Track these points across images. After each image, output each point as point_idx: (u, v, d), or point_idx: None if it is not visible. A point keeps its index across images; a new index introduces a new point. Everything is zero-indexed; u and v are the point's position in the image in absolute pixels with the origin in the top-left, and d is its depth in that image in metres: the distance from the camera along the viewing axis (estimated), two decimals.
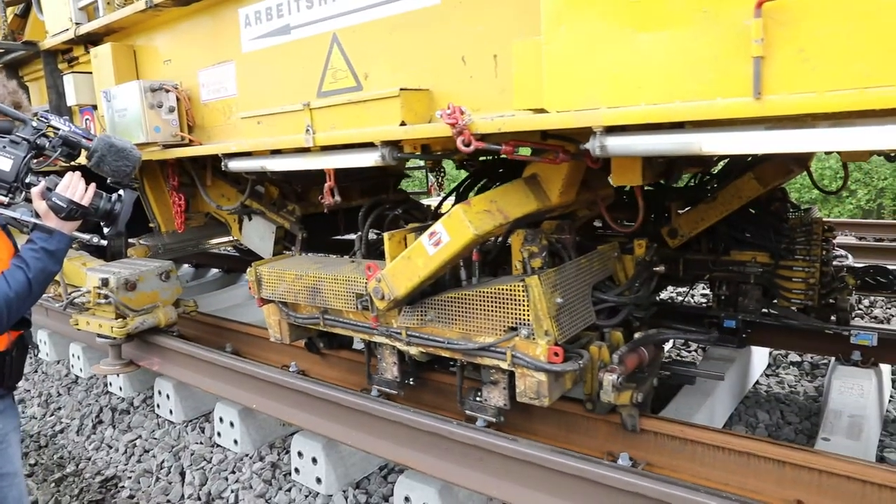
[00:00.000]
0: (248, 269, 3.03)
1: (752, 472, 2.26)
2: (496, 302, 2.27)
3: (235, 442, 3.38)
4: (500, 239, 2.68)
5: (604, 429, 2.53)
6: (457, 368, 2.56)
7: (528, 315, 2.19)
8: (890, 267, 3.54)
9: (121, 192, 2.19)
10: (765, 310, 3.29)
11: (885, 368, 3.53)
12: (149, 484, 3.24)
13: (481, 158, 3.21)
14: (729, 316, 3.27)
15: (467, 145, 1.87)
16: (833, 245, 3.30)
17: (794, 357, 4.04)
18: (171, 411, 3.76)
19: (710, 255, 3.27)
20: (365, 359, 2.93)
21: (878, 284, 3.40)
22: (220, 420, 3.45)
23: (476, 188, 3.23)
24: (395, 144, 2.22)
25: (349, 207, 3.80)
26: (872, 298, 4.88)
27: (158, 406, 3.87)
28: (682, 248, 3.24)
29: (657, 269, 2.55)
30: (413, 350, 2.52)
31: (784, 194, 3.31)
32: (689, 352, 4.20)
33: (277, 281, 2.95)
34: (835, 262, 3.29)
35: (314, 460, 2.98)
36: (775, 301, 3.21)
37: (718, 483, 2.29)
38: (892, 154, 1.36)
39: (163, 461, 3.37)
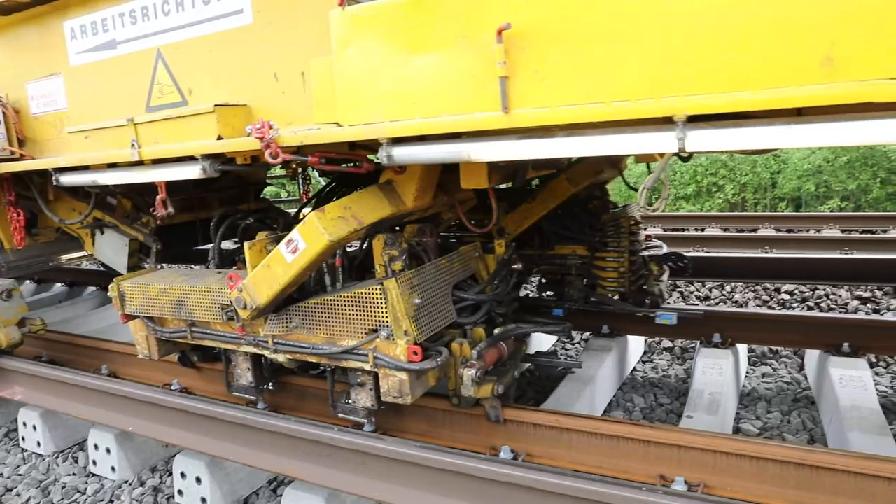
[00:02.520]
0: (111, 286, 2.92)
1: (621, 453, 2.41)
2: (357, 305, 2.31)
3: (113, 469, 3.23)
4: (365, 243, 2.72)
5: (486, 424, 2.61)
6: (328, 373, 2.57)
7: (387, 317, 2.24)
8: (687, 254, 3.93)
9: None
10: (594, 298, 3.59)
11: (742, 348, 3.85)
12: None
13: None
14: (556, 305, 3.54)
15: (275, 157, 2.01)
16: (649, 237, 3.74)
17: (666, 343, 4.32)
18: (38, 443, 3.53)
19: (538, 250, 3.52)
20: (223, 367, 2.90)
21: (678, 269, 3.76)
22: (95, 447, 3.28)
23: (337, 195, 3.26)
24: (216, 157, 2.31)
25: (208, 218, 3.76)
26: (733, 284, 5.29)
27: (24, 439, 3.62)
28: (519, 244, 3.45)
29: (516, 266, 2.67)
30: (280, 357, 2.52)
31: (603, 192, 3.60)
32: (574, 344, 4.39)
33: (141, 296, 2.86)
34: (650, 252, 3.63)
35: (198, 480, 2.90)
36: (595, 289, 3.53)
37: (593, 467, 2.42)
38: (686, 154, 1.54)
39: (29, 499, 3.16)
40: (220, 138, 2.25)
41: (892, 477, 1.99)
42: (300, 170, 3.98)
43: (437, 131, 1.74)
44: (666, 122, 1.47)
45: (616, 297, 3.49)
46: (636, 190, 3.73)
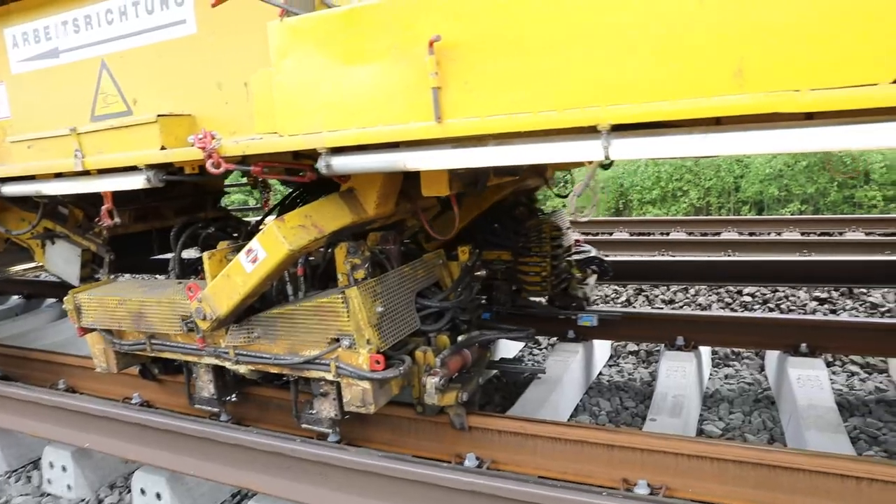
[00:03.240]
0: (66, 298, 2.84)
1: (585, 457, 2.43)
2: (319, 315, 2.29)
3: (69, 487, 3.13)
4: (329, 252, 2.70)
5: (451, 432, 2.61)
6: (291, 384, 2.54)
7: (350, 326, 2.22)
8: (608, 258, 4.07)
9: None
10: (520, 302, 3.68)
11: (705, 350, 3.92)
12: None
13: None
14: (485, 309, 3.60)
15: (217, 167, 2.02)
16: (578, 242, 3.93)
17: (632, 347, 4.37)
18: None
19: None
20: (185, 379, 2.84)
21: (600, 272, 3.88)
22: (51, 465, 3.18)
23: (301, 203, 3.23)
24: (161, 167, 2.30)
25: (164, 228, 3.72)
26: (697, 287, 5.39)
27: None
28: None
29: (479, 273, 2.67)
30: (242, 369, 2.48)
31: (530, 200, 3.69)
32: (541, 349, 4.42)
33: (99, 308, 2.79)
34: (576, 257, 3.79)
35: (158, 496, 2.82)
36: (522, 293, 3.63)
37: (558, 472, 2.44)
38: (608, 161, 1.61)
39: None
40: (163, 148, 2.25)
41: (845, 474, 2.04)
42: (260, 178, 3.95)
43: (373, 141, 1.78)
44: (591, 131, 1.53)
45: (544, 301, 3.59)
46: (564, 197, 3.87)
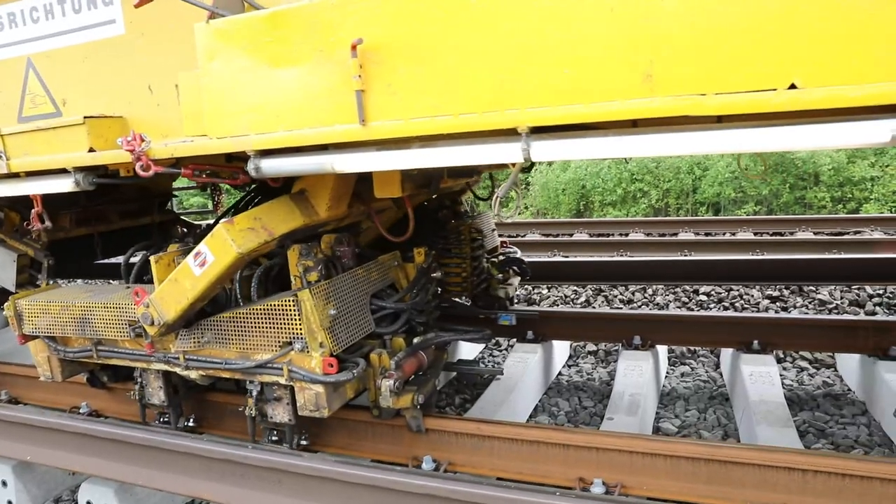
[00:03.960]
0: (6, 304, 2.73)
1: (542, 457, 2.43)
2: (270, 318, 2.24)
3: (10, 503, 3.00)
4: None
5: (408, 435, 2.58)
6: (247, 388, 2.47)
7: (302, 329, 2.18)
8: (527, 259, 4.16)
9: None
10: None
11: (662, 349, 3.98)
12: None
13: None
14: None
15: (146, 170, 2.01)
16: (505, 244, 3.99)
17: (591, 347, 4.41)
18: None
19: None
20: (136, 387, 2.76)
21: (520, 272, 3.99)
22: None
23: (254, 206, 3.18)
24: (91, 170, 2.27)
25: (107, 231, 3.66)
26: (654, 287, 5.48)
27: None
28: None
29: (435, 274, 2.66)
30: (193, 374, 2.41)
31: (453, 202, 3.73)
32: (501, 350, 4.43)
33: (41, 314, 2.69)
34: (500, 257, 3.85)
35: None
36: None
37: (515, 473, 2.44)
38: (529, 164, 1.65)
39: None
40: (92, 150, 2.21)
41: (792, 467, 2.09)
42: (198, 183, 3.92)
43: (300, 143, 1.79)
44: (511, 133, 1.56)
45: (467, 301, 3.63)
46: (485, 200, 3.94)
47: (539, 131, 1.55)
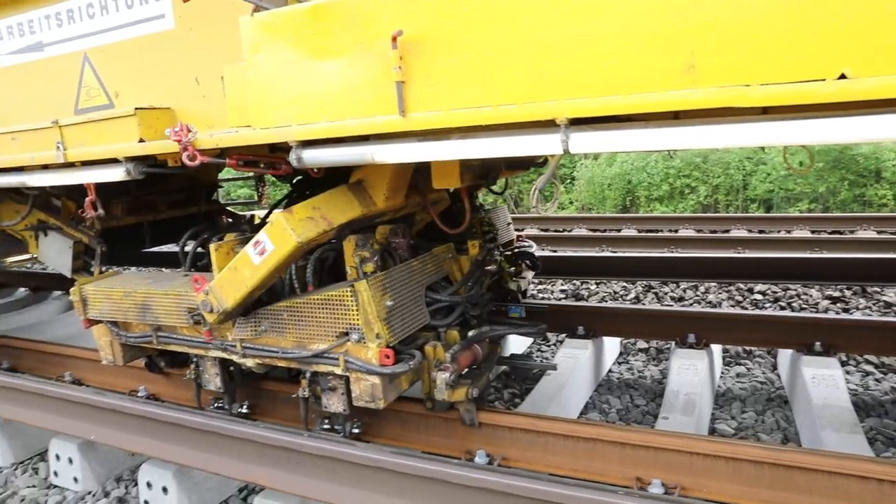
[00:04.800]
0: (72, 289, 2.82)
1: (598, 455, 2.39)
2: (327, 308, 2.25)
3: (76, 480, 3.11)
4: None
5: (461, 428, 2.57)
6: (302, 378, 2.50)
7: (359, 319, 2.18)
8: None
9: None
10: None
11: (717, 349, 3.86)
12: None
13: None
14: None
15: (192, 160, 2.06)
16: (520, 238, 3.93)
17: (642, 344, 4.32)
18: None
19: None
20: (192, 374, 2.82)
21: (532, 266, 3.89)
22: (57, 457, 3.16)
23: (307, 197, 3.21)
24: (142, 159, 2.34)
25: (155, 220, 3.81)
26: (707, 284, 5.33)
27: None
28: None
29: (489, 267, 2.63)
30: (249, 362, 2.45)
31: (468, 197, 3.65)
32: (549, 346, 4.37)
33: (105, 299, 2.77)
34: (515, 250, 3.79)
35: (165, 490, 2.80)
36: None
37: (569, 470, 2.40)
38: (570, 155, 1.60)
39: None
40: (141, 141, 2.27)
41: (865, 475, 1.99)
42: (250, 174, 4.00)
43: (341, 134, 1.80)
44: (550, 125, 1.54)
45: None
46: (500, 194, 3.87)
47: (578, 123, 1.53)
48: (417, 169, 2.38)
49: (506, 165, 2.47)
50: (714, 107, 1.35)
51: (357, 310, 2.17)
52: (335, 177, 2.34)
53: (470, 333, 2.48)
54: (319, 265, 2.42)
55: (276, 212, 2.49)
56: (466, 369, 2.44)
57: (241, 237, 2.44)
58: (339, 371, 2.24)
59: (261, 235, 2.15)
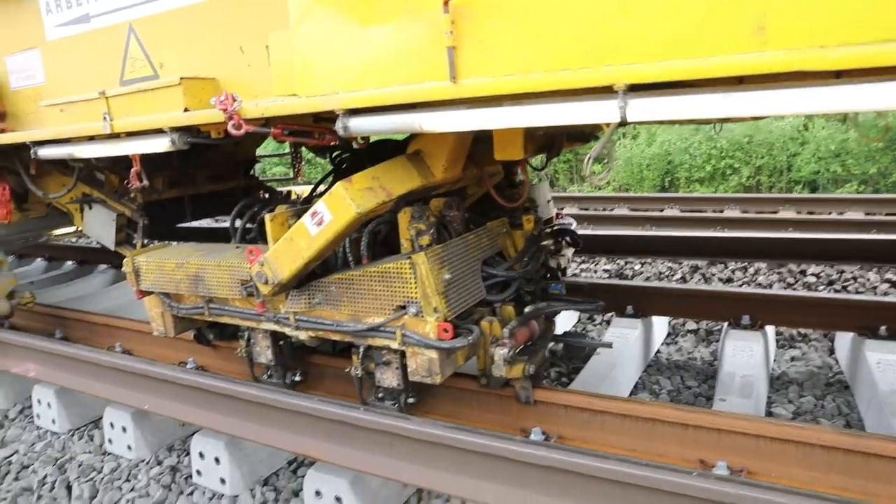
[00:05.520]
0: (125, 260, 2.84)
1: (657, 436, 2.32)
2: (384, 281, 2.21)
3: (129, 448, 3.17)
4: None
5: (515, 406, 2.52)
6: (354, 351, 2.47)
7: (416, 293, 2.14)
8: (579, 231, 3.93)
9: None
10: None
11: (770, 330, 3.74)
12: (29, 503, 2.98)
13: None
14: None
15: (238, 129, 2.05)
16: (559, 215, 3.71)
17: (691, 325, 4.21)
18: (53, 420, 3.47)
19: None
20: (242, 348, 2.83)
21: (573, 243, 3.78)
22: (111, 426, 3.22)
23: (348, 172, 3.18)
24: (186, 130, 2.34)
25: (196, 194, 3.86)
26: (756, 266, 5.17)
27: (38, 416, 3.57)
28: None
29: (545, 243, 2.56)
30: (302, 335, 2.43)
31: (507, 173, 3.57)
32: (595, 325, 4.29)
33: (157, 271, 2.78)
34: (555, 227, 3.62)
35: (217, 460, 2.82)
36: None
37: (626, 450, 2.33)
38: (626, 123, 1.52)
39: (45, 476, 3.11)
40: (186, 110, 2.27)
41: None
42: (293, 148, 4.05)
43: (389, 102, 1.77)
44: (607, 91, 1.46)
45: None
46: (540, 170, 3.76)
47: (636, 89, 1.45)
48: (476, 140, 2.31)
49: (567, 137, 2.38)
50: (785, 71, 1.26)
51: (415, 283, 2.12)
52: (391, 149, 2.29)
53: (527, 309, 2.42)
54: (373, 238, 2.38)
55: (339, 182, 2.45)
56: (523, 346, 2.38)
57: (296, 209, 2.41)
58: (395, 345, 2.20)
59: (319, 206, 2.11)
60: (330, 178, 3.03)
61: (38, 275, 6.31)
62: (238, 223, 2.89)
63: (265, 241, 2.43)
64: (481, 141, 2.27)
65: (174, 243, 3.28)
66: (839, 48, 1.20)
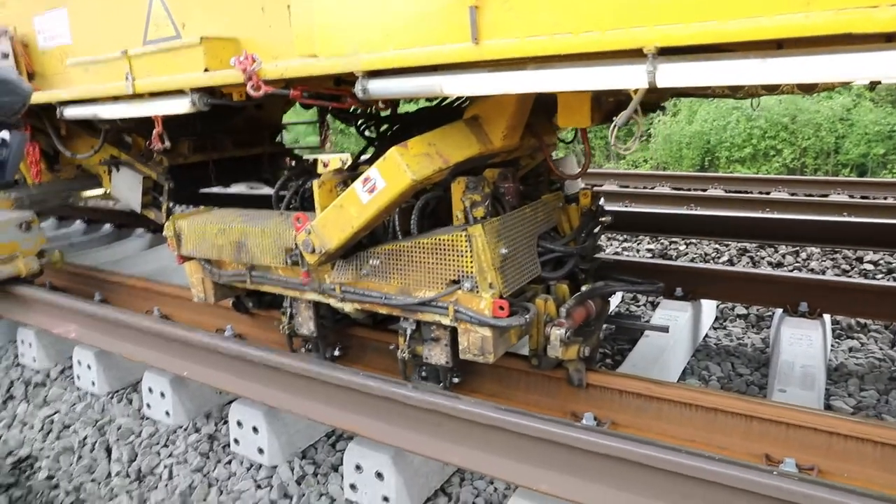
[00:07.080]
0: (167, 224, 2.78)
1: (719, 427, 2.20)
2: (437, 254, 2.11)
3: (167, 413, 3.15)
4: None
5: (565, 388, 2.41)
6: (402, 326, 2.38)
7: (472, 267, 2.03)
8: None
9: (5, 134, 1.91)
10: None
11: (827, 318, 3.55)
12: (70, 462, 2.99)
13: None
14: None
15: (257, 90, 2.03)
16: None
17: (740, 310, 4.04)
18: (93, 383, 3.48)
19: None
20: (284, 317, 2.76)
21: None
22: (150, 390, 3.20)
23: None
24: (206, 91, 2.35)
25: (221, 159, 3.84)
26: (808, 251, 4.94)
27: (79, 377, 3.57)
28: None
29: (603, 219, 2.42)
30: (348, 307, 2.35)
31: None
32: (639, 306, 4.15)
33: (199, 236, 2.71)
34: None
35: (255, 430, 2.78)
36: None
37: (685, 440, 2.20)
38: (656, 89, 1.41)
39: (85, 437, 3.12)
40: (207, 70, 2.24)
41: None
42: (320, 116, 3.99)
43: (409, 64, 1.73)
44: (637, 54, 1.37)
45: None
46: (569, 143, 3.57)
47: (667, 53, 1.34)
48: (535, 108, 2.17)
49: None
50: (831, 33, 1.15)
51: (471, 256, 2.01)
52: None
53: (583, 288, 2.30)
54: (424, 208, 2.26)
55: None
56: (578, 326, 2.26)
57: (344, 175, 2.30)
58: (446, 321, 2.10)
59: (371, 172, 2.00)
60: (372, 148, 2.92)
61: (77, 237, 6.36)
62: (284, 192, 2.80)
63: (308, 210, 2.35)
64: (542, 110, 2.13)
65: (216, 209, 3.21)
66: (892, 7, 1.08)
